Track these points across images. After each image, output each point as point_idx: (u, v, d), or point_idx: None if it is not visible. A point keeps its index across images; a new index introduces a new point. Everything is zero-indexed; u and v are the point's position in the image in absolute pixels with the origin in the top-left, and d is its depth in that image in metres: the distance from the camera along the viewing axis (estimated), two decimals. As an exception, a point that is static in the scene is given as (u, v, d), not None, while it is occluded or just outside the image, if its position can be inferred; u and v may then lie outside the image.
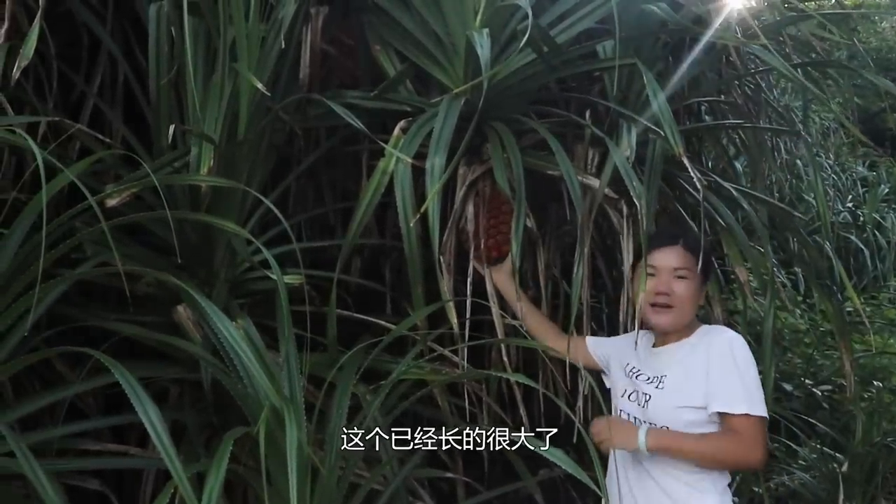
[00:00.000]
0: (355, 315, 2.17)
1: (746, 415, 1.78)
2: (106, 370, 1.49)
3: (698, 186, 1.90)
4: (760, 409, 1.80)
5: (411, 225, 1.86)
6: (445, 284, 2.07)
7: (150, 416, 1.30)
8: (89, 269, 1.73)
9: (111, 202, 1.69)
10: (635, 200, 1.89)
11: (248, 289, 2.09)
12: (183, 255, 2.04)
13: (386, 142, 2.01)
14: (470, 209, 2.15)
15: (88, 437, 1.82)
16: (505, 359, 2.12)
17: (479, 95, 1.86)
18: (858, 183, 7.42)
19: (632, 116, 2.11)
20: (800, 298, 4.78)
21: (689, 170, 1.87)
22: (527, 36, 1.74)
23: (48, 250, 1.66)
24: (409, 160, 1.87)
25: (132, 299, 2.00)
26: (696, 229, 2.30)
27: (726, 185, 2.55)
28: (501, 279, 2.20)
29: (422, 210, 1.83)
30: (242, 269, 2.08)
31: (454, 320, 1.95)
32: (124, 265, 1.84)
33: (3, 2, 1.85)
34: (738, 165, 4.04)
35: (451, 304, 1.99)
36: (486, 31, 1.87)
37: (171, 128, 1.65)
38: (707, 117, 3.47)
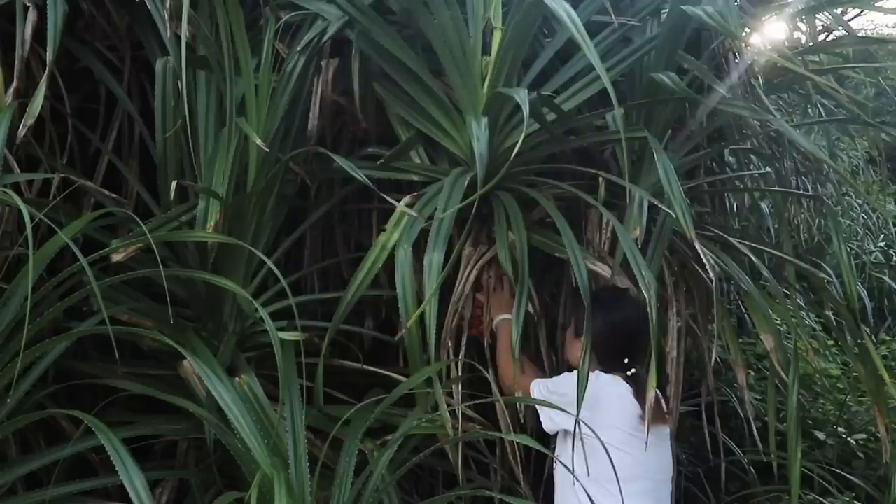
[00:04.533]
0: (365, 367, 2.13)
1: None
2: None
3: (711, 275, 1.89)
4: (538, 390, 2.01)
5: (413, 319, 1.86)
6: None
7: (134, 483, 1.27)
8: (91, 326, 1.72)
9: (116, 257, 1.69)
10: (643, 291, 1.77)
11: (256, 341, 2.07)
12: (192, 307, 2.05)
13: (397, 200, 1.97)
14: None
15: (94, 496, 1.79)
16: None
17: (486, 171, 1.84)
18: (890, 221, 7.24)
19: (643, 195, 2.02)
20: (831, 342, 4.61)
21: (701, 255, 1.84)
22: (526, 111, 1.71)
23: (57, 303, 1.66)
24: (409, 252, 1.86)
25: (143, 352, 1.99)
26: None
27: (746, 246, 2.42)
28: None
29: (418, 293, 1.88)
30: (251, 322, 2.07)
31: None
32: (131, 319, 1.85)
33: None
34: (763, 207, 3.96)
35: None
36: (485, 120, 1.84)
37: (174, 184, 1.64)
38: (731, 158, 3.41)
